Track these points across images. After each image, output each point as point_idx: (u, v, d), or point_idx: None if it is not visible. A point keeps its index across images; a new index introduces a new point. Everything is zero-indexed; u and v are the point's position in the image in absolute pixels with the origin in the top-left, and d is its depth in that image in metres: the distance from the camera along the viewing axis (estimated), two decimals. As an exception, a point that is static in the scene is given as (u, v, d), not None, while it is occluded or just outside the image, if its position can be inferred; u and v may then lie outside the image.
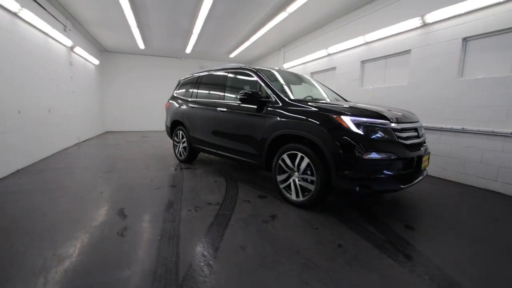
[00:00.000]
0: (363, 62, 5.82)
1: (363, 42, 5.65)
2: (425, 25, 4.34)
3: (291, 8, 5.57)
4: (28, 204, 2.76)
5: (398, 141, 2.49)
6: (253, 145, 3.27)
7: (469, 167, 3.83)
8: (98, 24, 7.06)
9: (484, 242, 2.23)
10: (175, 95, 5.30)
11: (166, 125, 5.54)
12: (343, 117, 2.45)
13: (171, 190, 3.34)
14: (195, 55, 10.97)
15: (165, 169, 4.45)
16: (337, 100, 3.80)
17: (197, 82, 4.65)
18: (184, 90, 5.04)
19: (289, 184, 2.89)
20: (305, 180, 2.73)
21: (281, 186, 2.98)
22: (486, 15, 3.53)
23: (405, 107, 4.26)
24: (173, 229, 2.26)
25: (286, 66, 8.94)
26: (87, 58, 7.97)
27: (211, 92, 4.23)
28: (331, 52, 6.70)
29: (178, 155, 5.04)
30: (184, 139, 4.74)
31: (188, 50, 9.70)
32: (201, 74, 4.64)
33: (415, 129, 2.75)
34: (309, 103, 2.85)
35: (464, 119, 3.84)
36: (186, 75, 5.36)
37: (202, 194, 3.21)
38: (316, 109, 2.65)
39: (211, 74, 4.39)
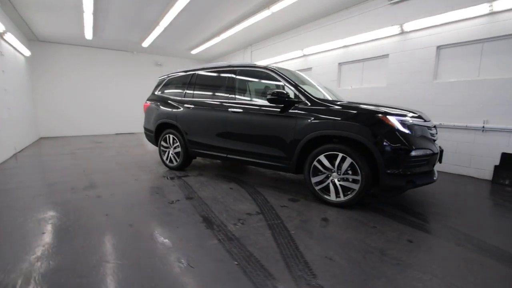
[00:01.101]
0: (340, 64, 6.20)
1: (341, 45, 6.02)
2: (403, 32, 4.87)
3: (276, 8, 5.53)
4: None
5: (430, 137, 2.72)
6: (281, 147, 3.11)
7: (446, 157, 4.47)
8: (38, 7, 5.68)
9: (478, 211, 2.63)
10: (158, 94, 4.67)
11: (146, 129, 4.84)
12: (389, 117, 2.53)
13: (191, 203, 2.91)
14: (151, 50, 9.93)
15: (158, 179, 3.88)
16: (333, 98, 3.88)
17: (191, 81, 4.18)
18: (172, 90, 4.49)
19: (327, 185, 2.86)
20: (346, 180, 2.74)
21: (317, 187, 2.92)
22: (458, 27, 4.16)
23: (391, 106, 4.71)
24: (238, 250, 1.96)
25: (255, 65, 8.88)
26: (17, 47, 6.34)
27: (216, 92, 3.87)
28: (307, 53, 6.93)
29: (167, 161, 4.45)
30: (177, 143, 4.22)
31: (146, 44, 8.70)
32: (196, 72, 4.18)
33: (434, 126, 3.05)
34: (337, 103, 2.86)
35: (441, 116, 4.46)
36: (167, 73, 4.77)
37: (231, 204, 2.90)
38: (358, 110, 2.67)
39: (211, 72, 4.01)
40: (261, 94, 3.51)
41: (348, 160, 2.66)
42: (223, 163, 4.99)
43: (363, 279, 1.64)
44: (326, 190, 2.88)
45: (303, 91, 3.05)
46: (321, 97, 3.18)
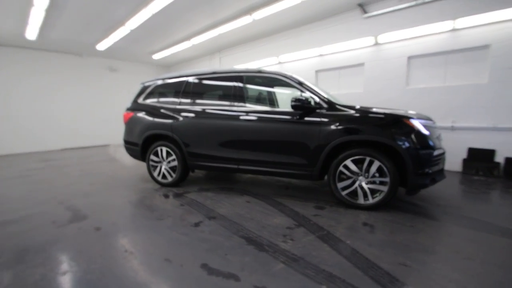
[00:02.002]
0: (317, 71, 6.50)
1: (318, 54, 6.31)
2: (377, 44, 5.36)
3: (258, 15, 5.51)
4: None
5: (440, 138, 3.00)
6: (303, 154, 3.04)
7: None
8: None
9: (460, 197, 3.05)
10: (143, 103, 4.12)
11: (128, 142, 4.22)
12: (412, 120, 2.71)
13: (218, 223, 2.61)
14: (105, 54, 8.84)
15: (156, 198, 3.39)
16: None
17: (187, 88, 3.80)
18: (162, 98, 4.02)
19: (354, 189, 2.89)
20: (373, 182, 2.82)
21: (343, 192, 2.93)
22: (425, 41, 4.77)
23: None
24: (313, 271, 1.81)
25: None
26: None
27: (222, 99, 3.60)
28: (282, 60, 7.08)
29: (159, 177, 3.94)
30: (172, 156, 3.77)
31: (103, 46, 7.71)
32: (192, 78, 3.82)
33: (435, 128, 3.38)
34: (357, 108, 2.96)
35: (415, 118, 5.01)
36: (151, 78, 4.27)
37: (262, 219, 2.69)
38: (385, 115, 2.79)
39: (213, 78, 3.72)
40: (272, 100, 3.41)
41: (376, 163, 2.75)
42: (219, 175, 4.67)
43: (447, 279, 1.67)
44: (353, 194, 2.91)
45: (322, 96, 3.06)
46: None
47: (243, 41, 7.88)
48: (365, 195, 2.86)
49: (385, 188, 2.76)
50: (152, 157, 3.93)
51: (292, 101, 2.96)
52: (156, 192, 3.67)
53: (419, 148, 2.64)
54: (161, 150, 3.85)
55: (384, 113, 2.81)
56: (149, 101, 4.10)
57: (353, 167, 2.85)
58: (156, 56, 9.21)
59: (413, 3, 4.74)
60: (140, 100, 4.18)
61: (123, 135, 4.33)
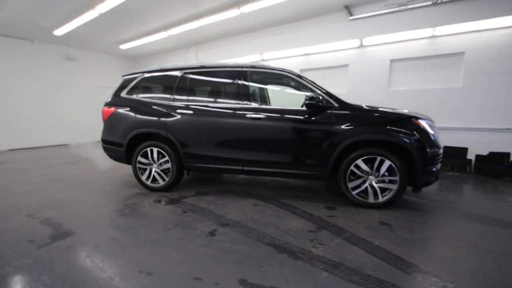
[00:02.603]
0: (302, 70, 6.51)
1: (303, 53, 6.34)
2: (361, 46, 5.56)
3: (247, 9, 5.30)
4: None
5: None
6: (314, 154, 2.97)
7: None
8: None
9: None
10: (127, 97, 3.63)
11: (109, 142, 3.70)
12: (420, 120, 2.81)
13: (235, 231, 2.39)
14: (62, 40, 7.74)
15: (151, 206, 3.02)
16: None
17: (182, 82, 3.45)
18: (152, 92, 3.61)
19: (364, 188, 2.91)
20: (383, 181, 2.87)
21: (354, 192, 2.94)
22: (407, 45, 5.08)
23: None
24: (359, 277, 1.73)
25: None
26: None
27: (223, 96, 3.37)
28: (266, 58, 6.96)
29: (149, 181, 3.53)
30: (165, 158, 3.41)
31: (61, 31, 6.71)
32: (188, 71, 3.46)
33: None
34: (365, 107, 3.00)
35: (397, 118, 5.32)
36: (136, 70, 3.80)
37: (280, 224, 2.55)
38: (395, 115, 2.84)
39: (213, 72, 3.44)
40: (281, 98, 3.28)
41: (387, 162, 2.80)
42: (210, 176, 4.37)
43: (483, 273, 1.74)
44: (363, 193, 2.94)
45: (334, 96, 3.01)
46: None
47: (224, 36, 7.56)
48: (375, 194, 2.90)
49: (394, 187, 2.83)
50: (140, 158, 3.50)
51: (306, 99, 2.86)
52: (147, 198, 3.28)
53: (426, 147, 2.74)
54: (151, 151, 3.45)
55: (395, 113, 2.87)
56: (134, 96, 3.63)
57: (364, 166, 2.86)
58: (124, 46, 8.37)
59: (396, 8, 5.00)
60: (123, 95, 3.68)
61: (101, 134, 3.79)
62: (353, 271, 1.78)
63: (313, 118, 2.95)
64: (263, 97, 3.79)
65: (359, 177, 2.91)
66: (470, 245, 2.16)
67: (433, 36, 4.78)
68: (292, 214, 2.79)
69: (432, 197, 3.40)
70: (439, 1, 4.59)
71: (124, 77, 3.77)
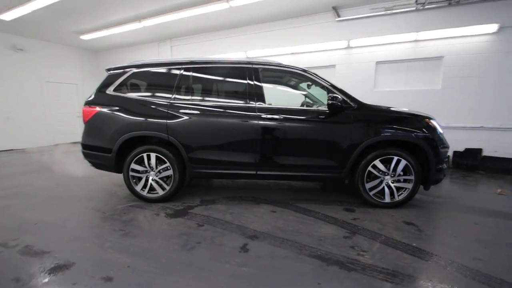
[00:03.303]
0: (288, 69, 6.45)
1: (289, 52, 6.28)
2: (348, 47, 5.69)
3: (236, 2, 5.03)
4: None
5: (441, 136, 3.34)
6: (333, 155, 2.89)
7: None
8: None
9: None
10: (116, 95, 3.12)
11: (93, 148, 3.14)
12: (432, 121, 2.90)
13: (268, 243, 2.17)
14: (9, 27, 6.52)
15: (151, 221, 2.63)
16: None
17: (184, 80, 3.07)
18: (148, 91, 3.16)
19: (382, 189, 2.92)
20: (398, 181, 2.91)
21: (371, 193, 2.93)
22: (391, 48, 5.32)
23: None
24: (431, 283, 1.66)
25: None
26: None
27: (232, 95, 3.12)
28: (251, 55, 6.74)
29: (145, 192, 3.08)
30: (166, 164, 3.01)
31: (9, 16, 5.62)
32: (190, 67, 3.09)
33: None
34: (381, 107, 3.02)
35: (382, 117, 5.57)
36: (125, 63, 3.29)
37: (310, 231, 2.39)
38: (411, 115, 2.89)
39: (219, 68, 3.16)
40: (293, 97, 3.12)
41: (403, 162, 2.83)
42: (206, 182, 4.02)
43: None
44: (380, 194, 2.94)
45: (351, 95, 2.96)
46: None
47: (205, 30, 7.12)
48: (391, 194, 2.92)
49: (409, 186, 2.88)
50: (134, 166, 3.04)
51: (328, 99, 2.75)
52: (147, 211, 2.86)
53: (438, 146, 2.84)
54: (148, 156, 3.02)
55: (410, 114, 2.92)
56: (124, 93, 3.14)
57: (381, 166, 2.87)
58: (87, 37, 7.39)
59: (382, 12, 5.21)
60: (110, 91, 3.16)
61: (82, 138, 3.21)
62: (412, 278, 1.71)
63: (332, 119, 2.86)
64: (277, 97, 3.59)
65: (376, 177, 2.91)
66: (494, 238, 2.27)
67: (416, 40, 5.09)
68: (316, 219, 2.67)
69: (432, 193, 3.57)
70: (421, 7, 4.89)
71: (109, 72, 3.24)
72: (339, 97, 2.80)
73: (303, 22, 6.05)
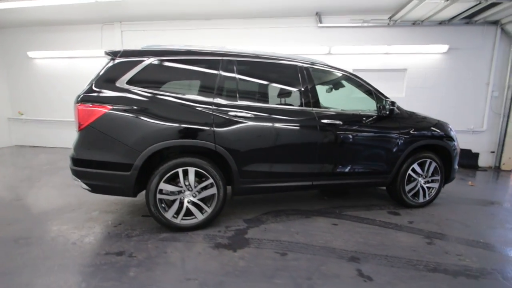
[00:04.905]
0: (268, 70, 6.26)
1: (271, 52, 6.09)
2: (329, 53, 5.94)
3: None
4: None
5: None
6: (384, 160, 2.93)
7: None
8: None
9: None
10: (132, 90, 2.25)
11: (96, 163, 2.20)
12: (450, 125, 3.29)
13: (377, 265, 1.98)
14: None
15: (213, 258, 2.06)
16: None
17: (230, 75, 2.49)
18: (177, 87, 2.44)
19: (417, 190, 3.13)
20: (428, 181, 3.19)
21: (409, 194, 3.11)
22: (365, 59, 5.86)
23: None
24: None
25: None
26: None
27: (286, 98, 2.76)
28: (227, 52, 6.21)
29: (178, 218, 2.35)
30: (209, 181, 2.38)
31: None
32: (237, 60, 2.53)
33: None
34: (415, 113, 3.25)
35: (358, 121, 6.08)
36: (141, 47, 2.45)
37: (394, 242, 2.32)
38: (437, 120, 3.21)
39: (269, 64, 2.73)
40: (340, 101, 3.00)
41: (433, 164, 3.12)
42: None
43: None
44: (414, 195, 3.16)
45: (392, 101, 3.05)
46: None
47: (170, 17, 6.12)
48: (423, 194, 3.18)
49: (436, 185, 3.20)
50: (164, 186, 2.29)
51: (388, 104, 2.77)
52: (192, 245, 2.19)
53: (456, 148, 3.26)
54: (185, 172, 2.33)
55: (437, 120, 3.23)
56: (145, 89, 2.31)
57: (418, 169, 3.08)
58: (-8, 4, 5.22)
59: (360, 24, 5.67)
60: (122, 85, 2.27)
61: (74, 151, 2.21)
62: (528, 276, 1.86)
63: (385, 124, 2.89)
64: (328, 100, 3.38)
65: (413, 180, 3.10)
66: (516, 226, 2.74)
67: (387, 53, 5.76)
68: (381, 227, 2.63)
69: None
70: (392, 24, 5.56)
71: (117, 59, 2.32)
72: (396, 102, 2.85)
73: (285, 24, 5.97)
